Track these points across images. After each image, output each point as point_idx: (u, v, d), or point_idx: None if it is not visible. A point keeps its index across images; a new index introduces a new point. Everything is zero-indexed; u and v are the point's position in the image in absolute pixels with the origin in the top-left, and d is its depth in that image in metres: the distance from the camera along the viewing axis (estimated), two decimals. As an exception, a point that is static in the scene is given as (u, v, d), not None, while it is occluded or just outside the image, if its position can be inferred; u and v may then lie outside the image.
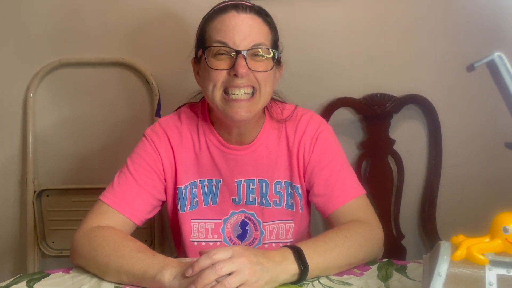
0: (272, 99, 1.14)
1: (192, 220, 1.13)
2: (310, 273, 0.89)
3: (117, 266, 0.91)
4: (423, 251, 1.71)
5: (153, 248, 1.33)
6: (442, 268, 0.68)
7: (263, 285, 0.84)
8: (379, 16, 1.61)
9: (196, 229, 1.13)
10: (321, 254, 0.92)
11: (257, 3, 1.07)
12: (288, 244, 0.94)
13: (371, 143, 1.67)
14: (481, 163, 1.68)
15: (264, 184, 1.13)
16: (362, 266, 0.98)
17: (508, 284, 0.66)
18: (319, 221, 1.59)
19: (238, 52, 0.99)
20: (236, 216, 1.15)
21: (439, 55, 1.63)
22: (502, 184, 1.65)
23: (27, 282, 0.92)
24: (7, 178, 1.73)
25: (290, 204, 1.14)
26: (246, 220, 1.15)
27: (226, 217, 1.14)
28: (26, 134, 1.68)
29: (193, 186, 1.13)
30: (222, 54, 1.01)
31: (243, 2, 1.05)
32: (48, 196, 1.71)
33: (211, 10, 1.07)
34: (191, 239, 1.13)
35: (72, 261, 1.00)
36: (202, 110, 1.15)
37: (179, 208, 1.13)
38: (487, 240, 0.70)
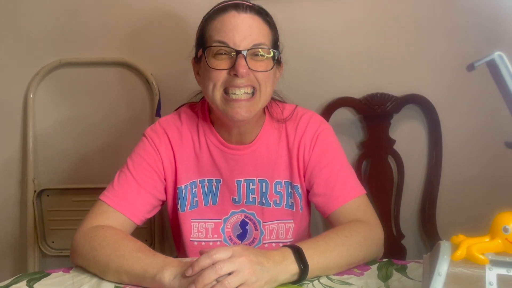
0: (272, 99, 1.14)
1: (192, 220, 1.13)
2: (310, 273, 0.89)
3: (117, 265, 0.91)
4: (423, 251, 1.71)
5: (153, 248, 1.33)
6: (442, 267, 0.68)
7: (263, 284, 0.84)
8: (379, 16, 1.62)
9: (196, 228, 1.13)
10: (321, 254, 0.92)
11: (257, 3, 1.07)
12: (288, 244, 0.94)
13: (371, 143, 1.67)
14: (481, 163, 1.68)
15: (264, 184, 1.13)
16: (362, 265, 0.98)
17: (508, 284, 0.66)
18: (319, 221, 1.59)
19: (238, 52, 0.99)
20: (236, 216, 1.15)
21: (439, 55, 1.63)
22: (502, 184, 1.65)
23: (27, 281, 0.92)
24: (7, 178, 1.73)
25: (290, 204, 1.14)
26: (246, 219, 1.15)
27: (226, 216, 1.14)
28: (26, 133, 1.68)
29: (193, 186, 1.13)
30: (222, 54, 1.01)
31: (243, 2, 1.05)
32: (48, 196, 1.71)
33: (211, 10, 1.07)
34: (191, 239, 1.13)
35: (72, 261, 1.00)
36: (202, 110, 1.15)
37: (179, 207, 1.13)
38: (487, 240, 0.70)
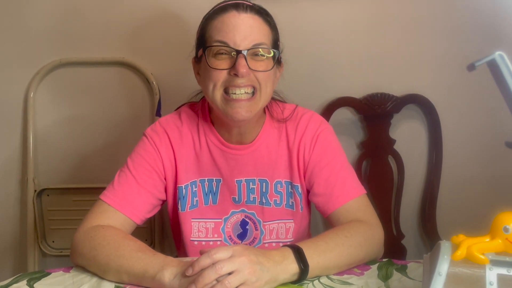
0: (273, 98, 1.14)
1: (192, 220, 1.13)
2: (310, 272, 0.89)
3: (117, 265, 0.91)
4: (423, 251, 1.71)
5: (153, 248, 1.33)
6: (443, 267, 0.68)
7: (263, 284, 0.84)
8: (379, 16, 1.62)
9: (197, 228, 1.13)
10: (321, 253, 0.92)
11: (257, 2, 1.07)
12: (288, 243, 0.94)
13: (372, 143, 1.67)
14: (481, 162, 1.68)
15: (264, 184, 1.13)
16: (362, 265, 0.98)
17: (508, 283, 0.66)
18: (319, 220, 1.59)
19: (238, 52, 0.99)
20: (236, 216, 1.15)
21: (439, 54, 1.63)
22: (503, 184, 1.65)
23: (27, 281, 0.92)
24: (8, 178, 1.73)
25: (290, 203, 1.14)
26: (246, 219, 1.15)
27: (227, 216, 1.14)
28: (27, 133, 1.68)
29: (193, 186, 1.13)
30: (222, 53, 1.01)
31: (244, 2, 1.05)
32: (48, 195, 1.71)
33: (211, 10, 1.07)
34: (191, 239, 1.13)
35: (72, 261, 1.00)
36: (203, 110, 1.15)
37: (179, 207, 1.13)
38: (487, 239, 0.70)
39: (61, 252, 1.72)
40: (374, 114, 1.63)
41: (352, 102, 1.64)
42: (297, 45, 1.53)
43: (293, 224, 1.15)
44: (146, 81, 1.66)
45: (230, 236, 1.15)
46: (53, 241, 1.73)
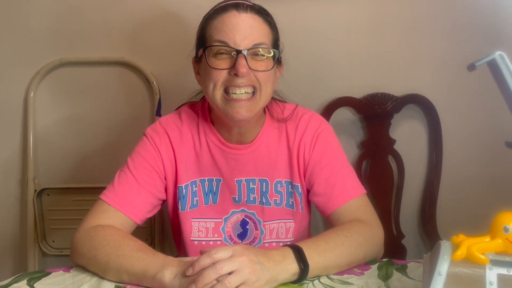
0: (273, 98, 1.14)
1: (192, 219, 1.13)
2: (311, 272, 0.89)
3: (117, 265, 0.91)
4: (423, 251, 1.71)
5: (154, 247, 1.33)
6: (443, 267, 0.68)
7: (263, 284, 0.84)
8: (379, 16, 1.62)
9: (197, 228, 1.13)
10: (322, 253, 0.92)
11: (257, 2, 1.07)
12: (288, 243, 0.94)
13: (372, 143, 1.67)
14: (481, 162, 1.68)
15: (264, 184, 1.13)
16: (362, 265, 0.98)
17: (508, 283, 0.66)
18: (319, 220, 1.59)
19: (238, 52, 0.99)
20: (236, 215, 1.15)
21: (439, 54, 1.63)
22: (503, 184, 1.65)
23: (27, 281, 0.92)
24: (8, 177, 1.73)
25: (291, 203, 1.14)
26: (247, 219, 1.15)
27: (227, 216, 1.14)
28: (27, 133, 1.68)
29: (193, 185, 1.13)
30: (222, 53, 1.01)
31: (244, 2, 1.05)
32: (48, 195, 1.71)
33: (211, 10, 1.07)
34: (191, 238, 1.13)
35: (72, 260, 1.00)
36: (203, 110, 1.15)
37: (179, 207, 1.13)
38: (487, 239, 0.70)
39: (61, 252, 1.72)
40: (374, 114, 1.63)
41: (352, 102, 1.64)
42: (297, 45, 1.53)
43: (293, 224, 1.15)
44: (146, 81, 1.66)
45: (230, 235, 1.15)
46: (53, 241, 1.73)
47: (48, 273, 0.96)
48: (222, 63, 1.01)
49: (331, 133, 1.16)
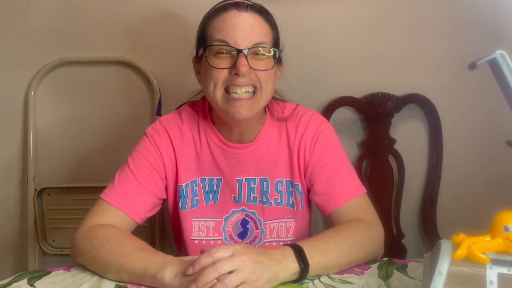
0: (273, 98, 1.14)
1: (193, 219, 1.13)
2: (311, 271, 0.89)
3: (117, 264, 0.91)
4: (423, 251, 1.71)
5: (154, 247, 1.33)
6: (443, 266, 0.68)
7: (264, 283, 0.84)
8: (379, 15, 1.61)
9: (197, 227, 1.13)
10: (322, 253, 0.92)
11: (257, 1, 1.07)
12: (289, 242, 0.94)
13: (372, 143, 1.67)
14: (482, 162, 1.68)
15: (265, 183, 1.13)
16: (362, 265, 0.98)
17: (509, 283, 0.66)
18: (320, 220, 1.59)
19: (239, 51, 0.99)
20: (237, 215, 1.15)
21: (439, 54, 1.63)
22: (503, 183, 1.65)
23: (28, 280, 0.92)
24: (8, 177, 1.73)
25: (291, 202, 1.14)
26: (247, 218, 1.15)
27: (227, 215, 1.14)
28: (27, 132, 1.68)
29: (194, 185, 1.13)
30: (223, 53, 1.01)
31: (244, 1, 1.05)
32: (48, 194, 1.71)
33: (212, 9, 1.07)
34: (192, 238, 1.13)
35: (72, 259, 1.00)
36: (203, 109, 1.15)
37: (180, 206, 1.13)
38: (488, 239, 0.70)
39: (61, 251, 1.73)
40: (374, 113, 1.63)
41: (353, 102, 1.64)
42: (298, 44, 1.53)
43: (293, 223, 1.15)
44: (147, 80, 1.66)
45: (230, 235, 1.15)
46: (53, 240, 1.73)
47: (49, 272, 0.96)
48: (223, 63, 1.01)
49: (332, 132, 1.16)
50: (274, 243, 1.14)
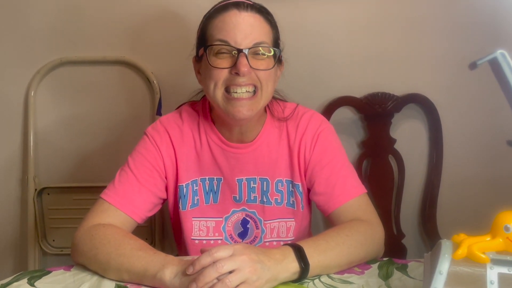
0: (273, 97, 1.14)
1: (193, 218, 1.13)
2: (311, 271, 0.89)
3: (118, 264, 0.91)
4: (423, 251, 1.71)
5: (154, 246, 1.33)
6: (444, 266, 0.68)
7: (264, 283, 0.84)
8: (380, 15, 1.61)
9: (197, 227, 1.13)
10: (322, 252, 0.92)
11: (258, 1, 1.07)
12: (289, 242, 0.94)
13: (372, 142, 1.66)
14: (482, 162, 1.68)
15: (265, 183, 1.13)
16: (363, 264, 0.98)
17: (509, 282, 0.66)
18: (320, 220, 1.59)
19: (239, 51, 0.99)
20: (237, 214, 1.15)
21: (440, 54, 1.63)
22: (503, 183, 1.65)
23: (28, 279, 0.92)
24: (8, 176, 1.73)
25: (291, 202, 1.14)
26: (247, 218, 1.15)
27: (227, 215, 1.14)
28: (27, 132, 1.68)
29: (194, 184, 1.13)
30: (223, 52, 1.01)
31: (244, 1, 1.05)
32: (49, 194, 1.71)
33: (212, 9, 1.07)
34: (192, 237, 1.13)
35: (73, 259, 1.00)
36: (203, 109, 1.15)
37: (180, 206, 1.13)
38: (488, 238, 0.70)
39: (61, 250, 1.73)
40: (374, 113, 1.63)
41: (353, 102, 1.64)
42: (298, 44, 1.53)
43: (294, 223, 1.15)
44: (147, 80, 1.66)
45: (231, 235, 1.15)
46: (53, 240, 1.73)
47: (49, 272, 0.96)
48: (223, 62, 1.01)
49: (332, 132, 1.16)
50: (275, 243, 1.14)
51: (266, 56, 1.03)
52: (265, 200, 1.13)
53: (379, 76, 1.64)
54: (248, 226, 1.15)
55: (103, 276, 0.93)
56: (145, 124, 1.61)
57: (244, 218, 1.15)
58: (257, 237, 1.15)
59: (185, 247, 1.15)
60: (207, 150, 1.13)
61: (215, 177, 1.13)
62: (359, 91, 1.64)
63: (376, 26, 1.62)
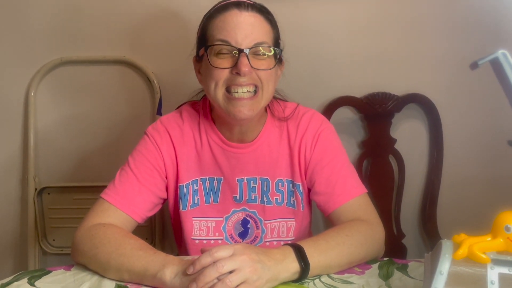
0: (274, 97, 1.14)
1: (193, 218, 1.13)
2: (311, 271, 0.89)
3: (118, 263, 0.91)
4: (423, 251, 1.70)
5: (154, 246, 1.33)
6: (444, 266, 0.68)
7: (264, 283, 0.84)
8: (380, 15, 1.61)
9: (198, 227, 1.13)
10: (322, 252, 0.92)
11: (258, 1, 1.07)
12: (289, 242, 0.94)
13: (372, 142, 1.66)
14: (482, 162, 1.68)
15: (265, 182, 1.13)
16: (363, 264, 0.98)
17: (510, 282, 0.66)
18: (320, 220, 1.59)
19: (240, 51, 0.99)
20: (237, 214, 1.15)
21: (440, 53, 1.62)
22: (504, 183, 1.65)
23: (28, 279, 0.92)
24: (8, 176, 1.73)
25: (292, 202, 1.14)
26: (248, 218, 1.15)
27: (228, 215, 1.14)
28: (27, 132, 1.68)
29: (194, 184, 1.13)
30: (224, 52, 1.01)
31: (245, 0, 1.05)
32: (49, 193, 1.71)
33: (212, 8, 1.07)
34: (192, 237, 1.13)
35: (73, 259, 1.00)
36: (204, 108, 1.15)
37: (180, 206, 1.13)
38: (489, 239, 0.70)
39: (61, 250, 1.73)
40: (375, 113, 1.63)
41: (353, 101, 1.64)
42: (298, 44, 1.53)
43: (294, 222, 1.15)
44: (147, 79, 1.65)
45: (231, 234, 1.15)
46: (53, 240, 1.73)
47: (49, 272, 0.96)
48: (224, 62, 1.01)
49: (332, 132, 1.16)
50: (275, 242, 1.14)
51: (266, 56, 1.03)
52: (266, 200, 1.13)
53: (379, 76, 1.64)
54: (248, 226, 1.15)
55: (103, 276, 0.93)
56: (145, 124, 1.61)
57: (244, 218, 1.15)
58: (257, 237, 1.15)
59: (185, 247, 1.15)
60: (207, 150, 1.13)
61: (215, 177, 1.13)
62: (359, 91, 1.63)
63: (376, 26, 1.62)
